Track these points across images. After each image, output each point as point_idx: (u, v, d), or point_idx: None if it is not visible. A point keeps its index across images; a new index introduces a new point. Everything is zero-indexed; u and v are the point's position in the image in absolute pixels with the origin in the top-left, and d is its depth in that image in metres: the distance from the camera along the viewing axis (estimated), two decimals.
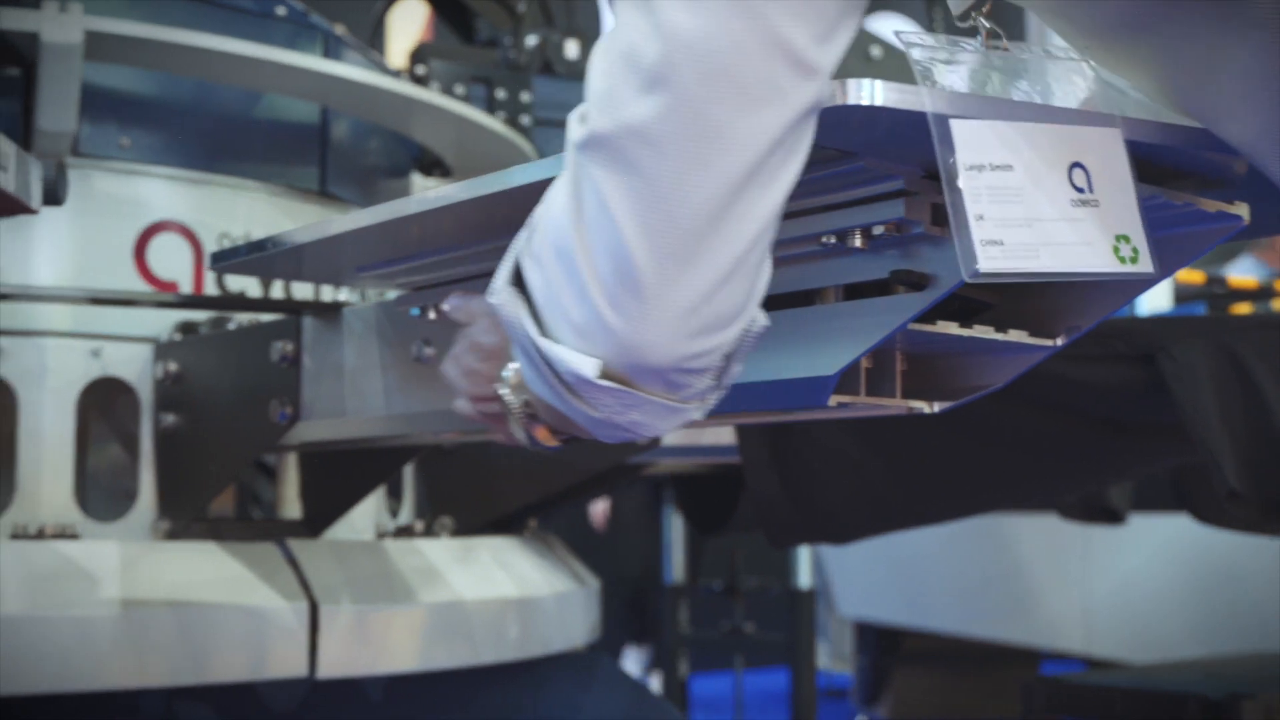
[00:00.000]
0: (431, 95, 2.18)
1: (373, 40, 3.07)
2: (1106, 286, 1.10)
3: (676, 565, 4.22)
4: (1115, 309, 1.10)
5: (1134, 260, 0.90)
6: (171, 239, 1.93)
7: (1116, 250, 0.91)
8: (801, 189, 1.00)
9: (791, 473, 1.97)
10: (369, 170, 2.30)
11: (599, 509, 4.11)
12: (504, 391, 1.03)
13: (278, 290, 2.01)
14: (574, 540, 2.58)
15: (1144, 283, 1.03)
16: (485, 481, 2.14)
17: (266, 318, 1.71)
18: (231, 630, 1.63)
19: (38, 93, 1.75)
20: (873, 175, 0.96)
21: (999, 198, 0.88)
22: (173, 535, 1.76)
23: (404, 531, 2.00)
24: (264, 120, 2.11)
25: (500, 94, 2.64)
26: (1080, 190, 0.91)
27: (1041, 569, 4.49)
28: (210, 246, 1.95)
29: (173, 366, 1.77)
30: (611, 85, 0.78)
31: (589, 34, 3.25)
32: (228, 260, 1.37)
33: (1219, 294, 2.77)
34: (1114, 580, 4.04)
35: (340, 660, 1.70)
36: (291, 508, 1.94)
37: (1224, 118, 0.93)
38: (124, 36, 1.80)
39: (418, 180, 2.44)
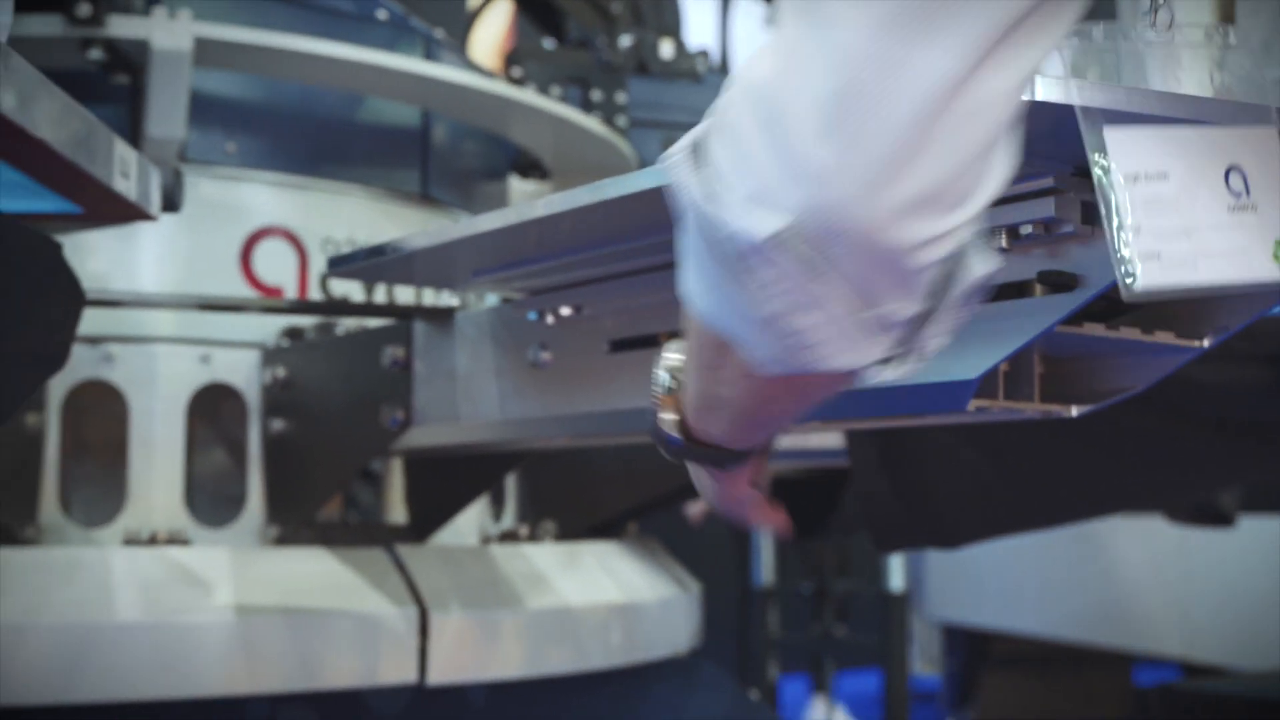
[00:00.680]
0: (531, 96, 2.17)
1: (467, 37, 3.07)
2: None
3: (766, 568, 4.19)
4: (1267, 309, 1.06)
5: None
6: (276, 244, 1.93)
7: (1276, 255, 0.88)
8: None
9: (901, 474, 1.94)
10: (468, 173, 2.30)
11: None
12: (658, 371, 0.97)
13: (380, 295, 2.00)
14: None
15: None
16: (587, 485, 2.12)
17: (374, 322, 1.70)
18: (342, 636, 1.62)
19: (147, 100, 1.76)
20: (1020, 173, 0.93)
21: (1155, 208, 0.85)
22: (281, 541, 1.75)
23: (508, 536, 1.99)
24: (365, 124, 2.11)
25: (596, 95, 2.63)
26: (1237, 195, 0.88)
27: (1136, 571, 4.41)
28: (314, 251, 1.95)
29: (281, 372, 1.77)
30: None
31: (672, 32, 3.23)
32: (346, 265, 1.36)
33: None
34: (1214, 583, 3.96)
35: (449, 666, 1.69)
36: (396, 513, 1.93)
37: None
38: (231, 42, 1.80)
39: (515, 183, 2.43)
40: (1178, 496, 2.26)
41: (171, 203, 1.38)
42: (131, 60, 1.78)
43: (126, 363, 1.78)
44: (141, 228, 1.79)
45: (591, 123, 2.30)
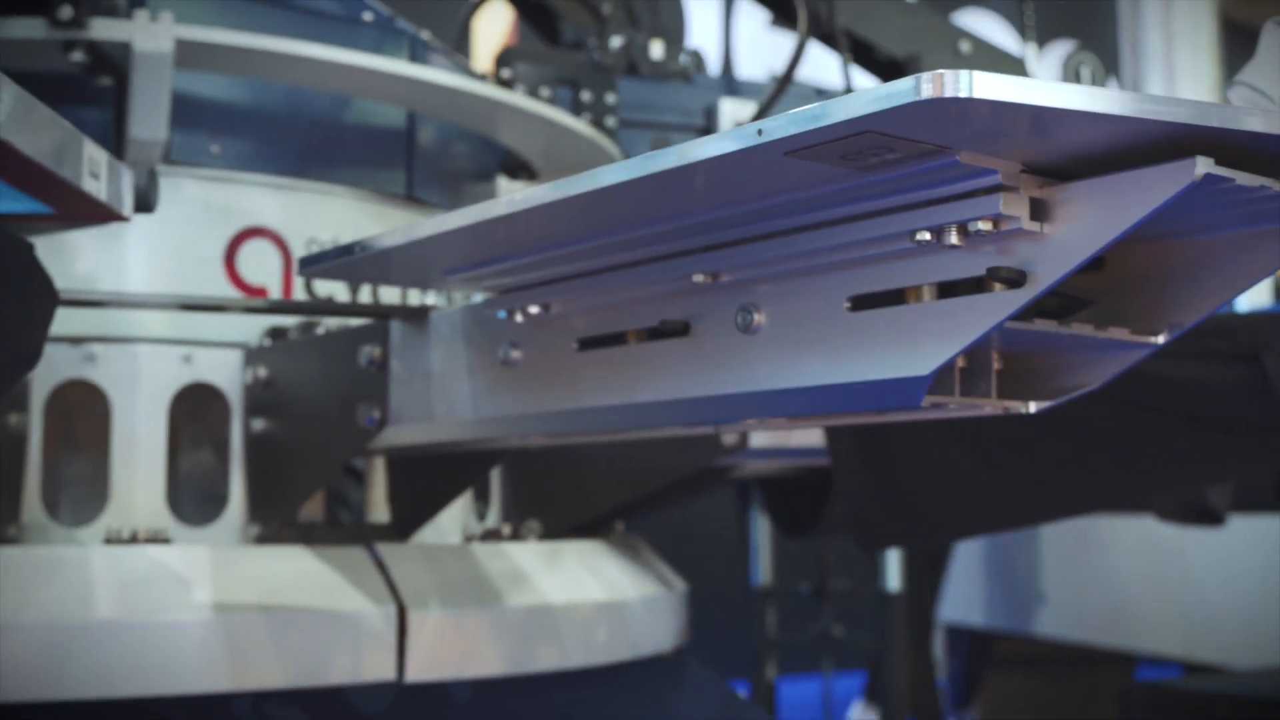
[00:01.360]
0: (517, 98, 2.18)
1: (459, 44, 3.08)
2: (1209, 283, 1.07)
3: (764, 568, 4.19)
4: (1219, 305, 1.07)
5: None
6: (261, 245, 1.94)
7: None
8: (895, 185, 0.99)
9: (882, 473, 1.95)
10: (455, 174, 2.31)
11: None
12: None
13: (365, 295, 2.01)
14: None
15: None
16: (572, 484, 2.13)
17: (356, 322, 1.71)
18: (321, 634, 1.63)
19: (130, 101, 1.77)
20: (969, 170, 0.94)
21: None
22: (263, 540, 1.76)
23: (491, 535, 2.00)
24: (351, 125, 2.12)
25: (586, 96, 2.64)
26: None
27: (1138, 571, 4.41)
28: (299, 252, 1.96)
29: (262, 372, 1.78)
30: None
31: (674, 34, 3.24)
32: (316, 265, 1.37)
33: None
34: (1213, 583, 3.96)
35: (428, 664, 1.70)
36: (379, 511, 1.94)
37: None
38: (213, 44, 1.82)
39: (503, 183, 2.44)
40: (1160, 493, 2.27)
41: (146, 203, 1.39)
42: (114, 62, 1.79)
43: (109, 362, 1.79)
44: (127, 228, 1.81)
45: (579, 124, 2.31)
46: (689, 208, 1.11)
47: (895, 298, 1.07)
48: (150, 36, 1.75)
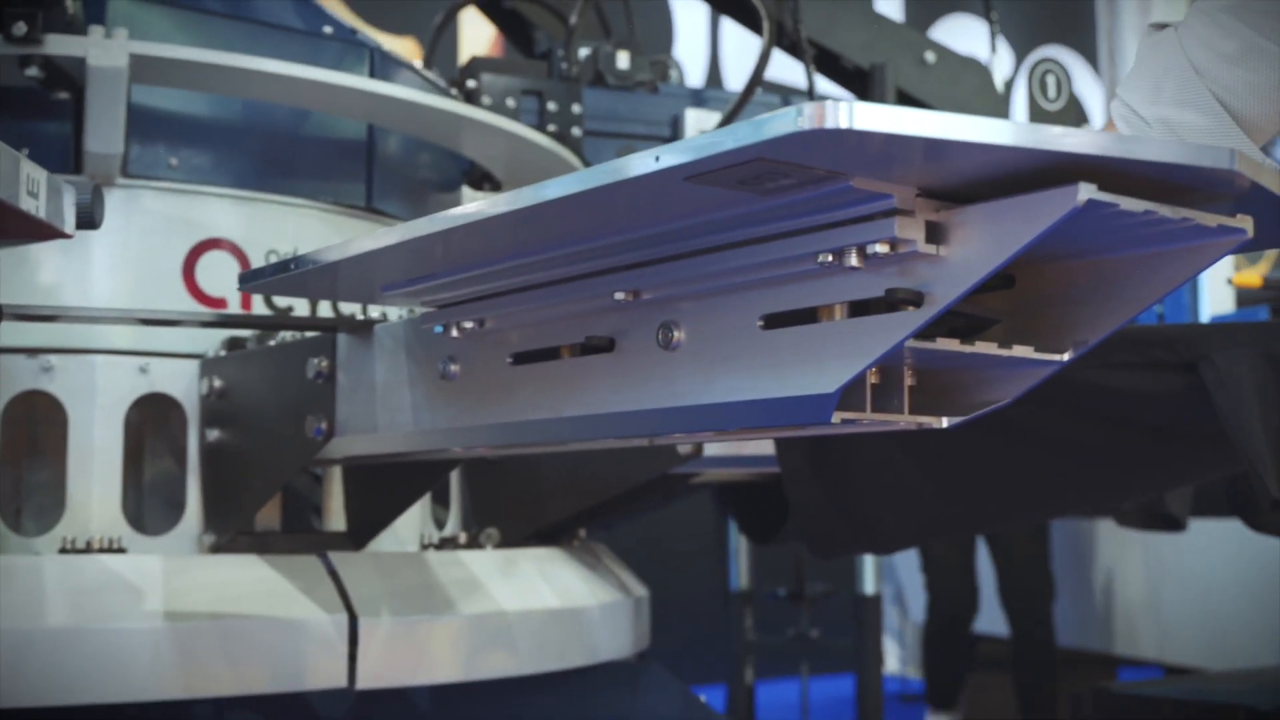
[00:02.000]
0: (478, 112, 2.20)
1: (433, 49, 3.10)
2: (1113, 301, 1.10)
3: (742, 572, 4.22)
4: (1122, 322, 1.09)
5: None
6: (220, 256, 1.97)
7: None
8: (798, 208, 1.02)
9: (833, 482, 1.97)
10: (418, 185, 2.33)
11: None
12: None
13: (326, 309, 2.04)
14: None
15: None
16: (531, 493, 2.16)
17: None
18: (271, 642, 1.66)
19: (86, 116, 1.80)
20: (864, 195, 0.96)
21: None
22: (218, 548, 1.79)
23: (447, 543, 2.02)
24: (311, 138, 2.14)
25: (552, 106, 2.66)
26: None
27: (1118, 575, 4.45)
28: (258, 263, 1.98)
29: (217, 382, 1.81)
30: None
31: (647, 44, 3.26)
32: (255, 281, 1.39)
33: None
34: (1188, 586, 3.99)
35: (379, 671, 1.73)
36: (337, 520, 1.97)
37: None
38: (170, 60, 1.84)
39: (468, 194, 2.46)
40: (1107, 502, 2.29)
41: (90, 220, 1.41)
42: (71, 77, 1.82)
43: (66, 374, 1.81)
44: (89, 240, 1.84)
45: (540, 137, 2.34)
46: (607, 228, 1.13)
47: (806, 316, 1.09)
48: (105, 53, 1.77)
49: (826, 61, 2.98)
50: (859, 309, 1.07)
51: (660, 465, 2.15)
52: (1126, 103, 1.31)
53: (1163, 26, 1.32)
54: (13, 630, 1.57)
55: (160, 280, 1.92)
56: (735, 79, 6.74)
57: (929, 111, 0.88)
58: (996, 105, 3.04)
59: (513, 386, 1.36)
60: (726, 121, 2.69)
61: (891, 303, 1.03)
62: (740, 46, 6.64)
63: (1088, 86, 7.90)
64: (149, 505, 1.87)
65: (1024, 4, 7.96)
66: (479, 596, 1.87)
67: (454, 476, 2.18)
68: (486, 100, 2.62)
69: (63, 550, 1.72)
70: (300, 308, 2.02)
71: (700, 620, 4.76)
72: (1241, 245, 1.04)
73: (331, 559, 1.80)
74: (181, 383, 1.85)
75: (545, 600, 1.95)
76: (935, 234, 0.99)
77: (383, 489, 1.85)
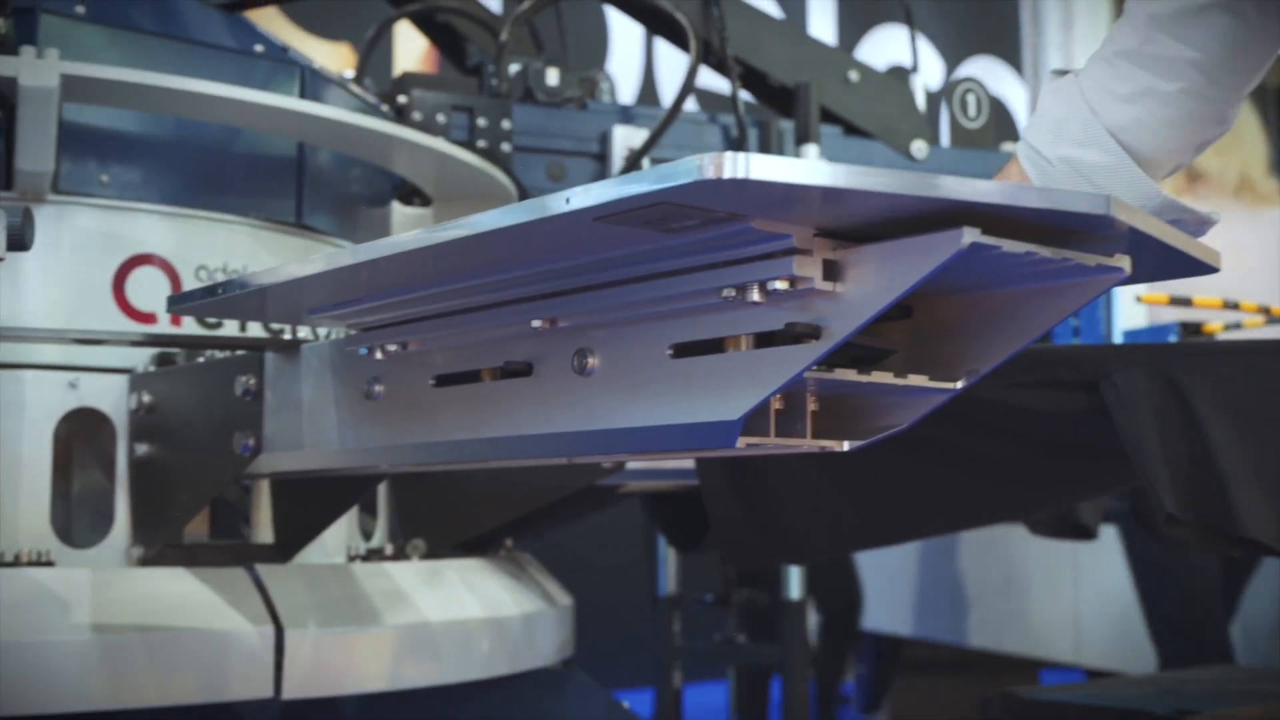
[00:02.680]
0: (407, 131, 2.23)
1: (366, 61, 3.14)
2: (1005, 332, 1.16)
3: (670, 578, 4.27)
4: (1011, 353, 1.15)
5: None
6: (150, 272, 2.00)
7: None
8: (703, 245, 1.07)
9: (750, 495, 2.03)
10: (348, 200, 2.36)
11: None
12: None
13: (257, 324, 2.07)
14: None
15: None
16: (456, 504, 2.20)
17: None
18: (199, 654, 1.69)
19: (16, 135, 1.82)
20: (764, 235, 1.02)
21: None
22: (146, 561, 1.82)
23: (374, 554, 2.06)
24: (241, 154, 2.17)
25: (481, 122, 2.70)
26: None
27: (1037, 579, 4.53)
28: (188, 279, 2.01)
29: (146, 398, 1.84)
30: None
31: (581, 57, 3.32)
32: (183, 303, 1.43)
33: (1188, 319, 2.82)
34: (1105, 590, 4.08)
35: (305, 682, 1.76)
36: (264, 532, 2.00)
37: None
38: (101, 80, 1.87)
39: (398, 209, 2.50)
40: (1014, 515, 2.37)
41: (20, 242, 1.44)
42: (3, 96, 1.84)
43: None
44: (18, 256, 1.85)
45: (470, 156, 2.38)
46: (525, 260, 1.18)
47: (713, 346, 1.15)
48: (37, 73, 1.80)
49: (753, 79, 3.04)
50: (764, 340, 1.13)
51: (585, 477, 2.20)
52: (1031, 144, 1.38)
53: (1064, 73, 1.38)
54: None
55: (90, 296, 1.94)
56: (670, 91, 6.79)
57: (822, 162, 0.93)
58: (917, 123, 3.11)
59: (435, 407, 1.40)
60: (654, 139, 2.74)
61: (792, 335, 1.08)
62: (674, 60, 6.70)
63: (1017, 96, 8.04)
64: (77, 518, 1.89)
65: (954, 14, 8.09)
66: (404, 607, 1.91)
67: (382, 487, 2.22)
68: (417, 116, 2.66)
69: None
70: (230, 324, 2.05)
71: (630, 626, 4.81)
72: (1123, 280, 1.10)
73: (258, 571, 1.83)
74: (110, 397, 1.88)
75: (470, 610, 2.00)
76: (832, 271, 1.04)
77: (310, 502, 1.89)
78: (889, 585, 5.10)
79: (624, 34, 6.73)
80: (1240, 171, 3.58)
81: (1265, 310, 2.67)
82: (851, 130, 3.10)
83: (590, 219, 1.00)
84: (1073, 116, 1.34)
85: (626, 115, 2.92)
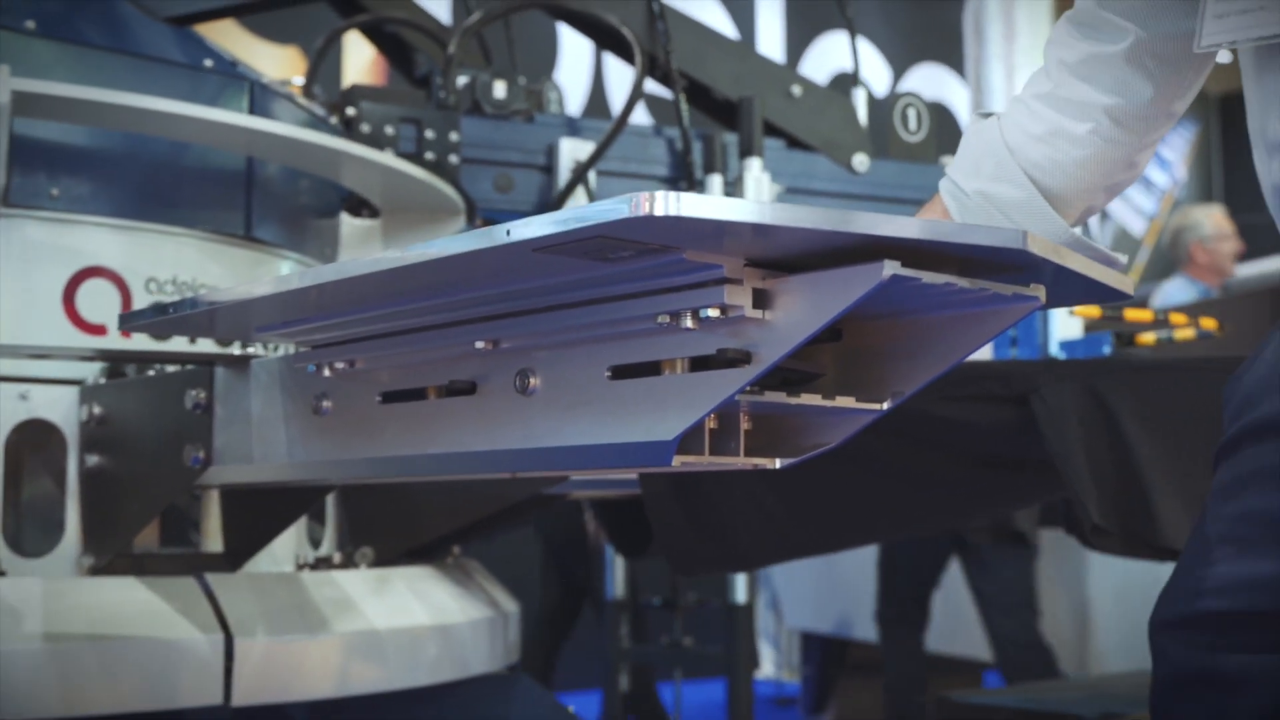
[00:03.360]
0: (354, 146, 2.27)
1: (315, 71, 3.16)
2: (929, 356, 1.22)
3: (617, 581, 4.32)
4: (934, 376, 1.20)
5: None
6: (100, 284, 2.02)
7: None
8: (638, 273, 1.12)
9: (692, 504, 2.08)
10: (296, 212, 2.39)
11: None
12: None
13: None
14: None
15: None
16: (404, 512, 2.24)
17: None
18: (149, 662, 1.72)
19: None
20: (696, 265, 1.07)
21: None
22: (97, 570, 1.85)
23: (322, 563, 2.10)
24: (190, 167, 2.20)
25: (429, 134, 2.74)
26: None
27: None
28: (138, 291, 2.04)
29: (97, 409, 1.86)
30: None
31: (530, 68, 3.35)
32: (134, 321, 1.46)
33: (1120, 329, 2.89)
34: (1049, 593, 4.15)
35: (254, 689, 1.80)
36: (214, 540, 2.03)
37: None
38: (51, 96, 1.89)
39: (346, 221, 2.53)
40: (948, 524, 2.43)
41: None
42: None
43: None
44: None
45: (417, 170, 2.41)
46: (469, 284, 1.23)
47: (650, 369, 1.19)
48: None
49: (698, 93, 3.09)
50: (699, 363, 1.17)
51: (530, 488, 2.24)
52: (952, 179, 1.43)
53: (988, 116, 1.45)
54: None
55: (41, 308, 1.97)
56: (619, 99, 6.84)
57: (748, 201, 0.98)
58: (859, 137, 3.17)
59: (382, 423, 1.44)
60: (600, 152, 2.78)
61: (724, 360, 1.13)
62: (624, 70, 6.75)
63: (964, 104, 8.13)
64: (28, 528, 1.92)
65: (901, 22, 8.18)
66: (352, 615, 1.95)
67: (330, 496, 2.25)
68: (365, 128, 2.69)
69: None
70: (180, 338, 2.08)
71: (578, 629, 4.85)
72: (1040, 307, 1.16)
73: (208, 580, 1.86)
74: (61, 409, 1.91)
75: (417, 617, 2.04)
76: (761, 300, 1.09)
77: (259, 512, 1.92)
78: (834, 588, 5.17)
79: (573, 43, 6.77)
80: None
81: (1194, 323, 2.74)
82: (795, 143, 3.16)
83: (530, 249, 1.04)
84: (990, 154, 1.40)
85: (573, 128, 2.96)
